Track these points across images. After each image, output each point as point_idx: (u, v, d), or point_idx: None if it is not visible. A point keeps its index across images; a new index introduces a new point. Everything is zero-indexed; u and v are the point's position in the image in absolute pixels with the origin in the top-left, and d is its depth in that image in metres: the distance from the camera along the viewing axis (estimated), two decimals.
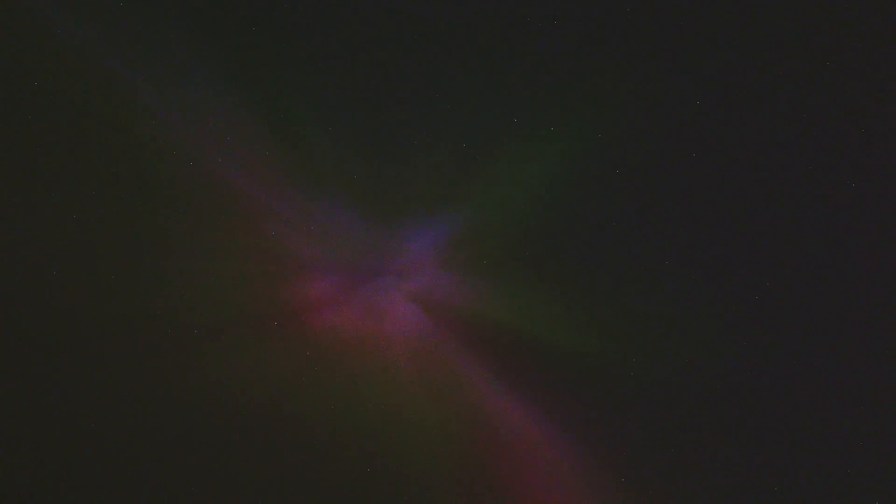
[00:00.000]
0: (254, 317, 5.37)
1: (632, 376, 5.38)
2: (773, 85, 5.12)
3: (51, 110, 4.95)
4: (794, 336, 5.30)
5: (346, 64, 5.15)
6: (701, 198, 5.30)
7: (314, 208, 5.36)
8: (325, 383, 5.46)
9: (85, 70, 4.90)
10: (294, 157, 5.29)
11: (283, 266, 5.39)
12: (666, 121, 5.17)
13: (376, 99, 5.22)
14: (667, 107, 5.15)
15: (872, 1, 4.91)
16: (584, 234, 5.40)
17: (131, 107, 5.01)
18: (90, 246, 5.11)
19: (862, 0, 4.91)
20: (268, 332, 5.38)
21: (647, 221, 5.35)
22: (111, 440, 5.20)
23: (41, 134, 4.96)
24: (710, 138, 5.16)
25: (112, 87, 4.97)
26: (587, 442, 5.44)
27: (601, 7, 5.05)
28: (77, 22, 4.84)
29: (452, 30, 5.13)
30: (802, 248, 5.25)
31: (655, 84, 5.11)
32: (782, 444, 5.29)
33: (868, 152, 5.07)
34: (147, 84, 5.00)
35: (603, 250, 5.41)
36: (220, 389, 5.31)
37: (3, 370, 5.06)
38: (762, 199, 5.23)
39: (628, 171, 5.26)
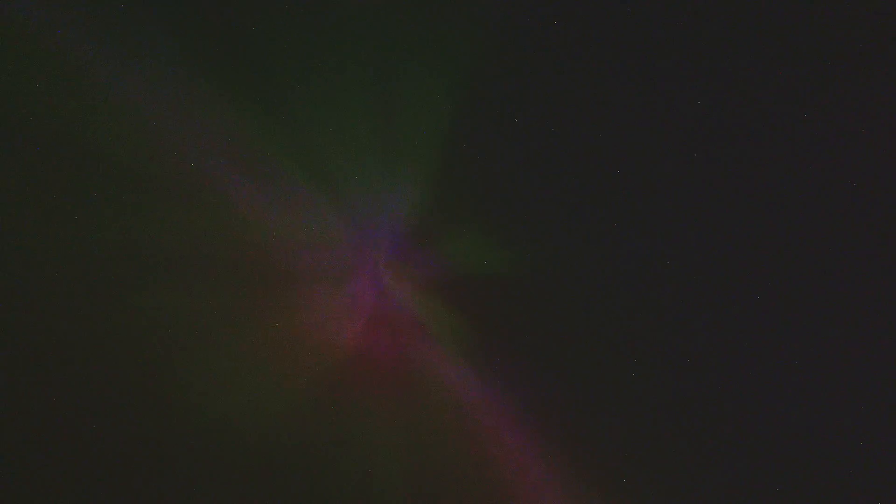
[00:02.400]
0: (254, 317, 5.39)
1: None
2: (767, 80, 5.12)
3: (50, 113, 4.97)
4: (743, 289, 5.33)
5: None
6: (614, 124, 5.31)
7: (304, 206, 5.40)
8: (325, 382, 5.48)
9: (86, 73, 4.92)
10: (288, 159, 5.33)
11: (282, 265, 5.42)
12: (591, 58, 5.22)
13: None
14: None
15: (872, 1, 4.90)
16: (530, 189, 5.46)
17: (132, 108, 5.03)
18: (89, 248, 5.12)
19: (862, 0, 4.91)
20: (269, 332, 5.41)
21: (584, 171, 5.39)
22: (108, 442, 5.22)
23: (40, 137, 4.97)
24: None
25: (114, 90, 4.99)
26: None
27: None
28: (75, 27, 4.87)
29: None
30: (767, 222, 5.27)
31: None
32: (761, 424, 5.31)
33: (868, 152, 5.07)
34: (148, 87, 5.03)
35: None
36: (219, 390, 5.34)
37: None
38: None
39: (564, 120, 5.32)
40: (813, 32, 5.00)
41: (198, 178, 5.16)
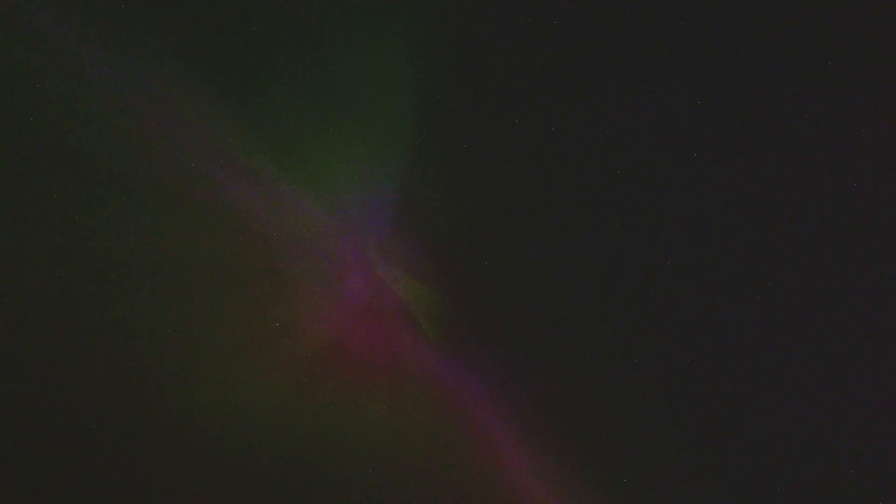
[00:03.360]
0: (247, 314, 5.40)
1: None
2: (764, 78, 5.12)
3: (49, 113, 4.98)
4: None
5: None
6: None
7: (292, 202, 5.42)
8: (320, 377, 5.50)
9: (85, 74, 4.94)
10: (274, 155, 5.36)
11: (274, 262, 5.43)
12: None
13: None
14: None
15: (872, 1, 4.90)
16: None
17: (129, 109, 5.05)
18: (85, 246, 5.14)
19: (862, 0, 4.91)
20: (264, 329, 5.41)
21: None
22: (104, 439, 5.23)
23: (39, 137, 4.98)
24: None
25: (111, 90, 5.00)
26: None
27: None
28: (75, 28, 4.88)
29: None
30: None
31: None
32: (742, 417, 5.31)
33: (868, 152, 5.07)
34: (142, 86, 5.04)
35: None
36: (213, 387, 5.35)
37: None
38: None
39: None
40: (813, 32, 5.00)
41: (191, 177, 5.18)
